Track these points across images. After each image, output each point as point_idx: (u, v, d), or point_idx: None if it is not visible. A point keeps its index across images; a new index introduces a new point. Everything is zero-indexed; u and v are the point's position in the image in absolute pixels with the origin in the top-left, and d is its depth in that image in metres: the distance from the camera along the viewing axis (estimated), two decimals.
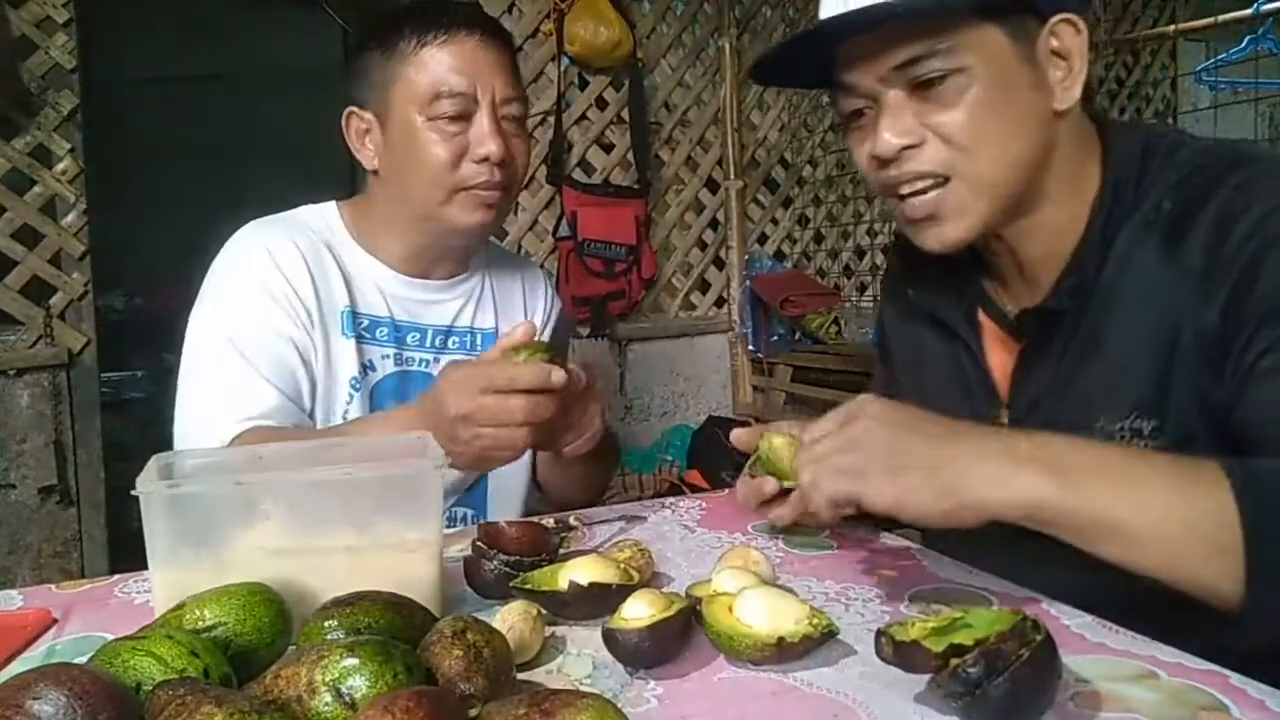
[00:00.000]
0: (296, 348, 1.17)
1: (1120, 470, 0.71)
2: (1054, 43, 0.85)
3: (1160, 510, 0.69)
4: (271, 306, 1.17)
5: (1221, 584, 0.67)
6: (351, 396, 1.21)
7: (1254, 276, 0.76)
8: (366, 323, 1.24)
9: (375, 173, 1.24)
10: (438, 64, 1.16)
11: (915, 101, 0.85)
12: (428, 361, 1.29)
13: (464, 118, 1.16)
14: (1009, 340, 0.96)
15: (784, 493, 0.90)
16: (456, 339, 1.31)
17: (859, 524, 1.01)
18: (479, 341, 1.33)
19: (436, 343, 1.30)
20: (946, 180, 0.86)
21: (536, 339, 0.98)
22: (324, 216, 1.28)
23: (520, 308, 1.40)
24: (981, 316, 0.99)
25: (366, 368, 1.23)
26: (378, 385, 1.24)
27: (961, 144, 0.84)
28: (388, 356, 1.26)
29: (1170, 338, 0.81)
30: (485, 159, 1.16)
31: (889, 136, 0.85)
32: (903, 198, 0.89)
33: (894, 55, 0.84)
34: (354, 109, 1.23)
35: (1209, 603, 0.69)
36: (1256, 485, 0.67)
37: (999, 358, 0.97)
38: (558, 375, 0.91)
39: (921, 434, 0.74)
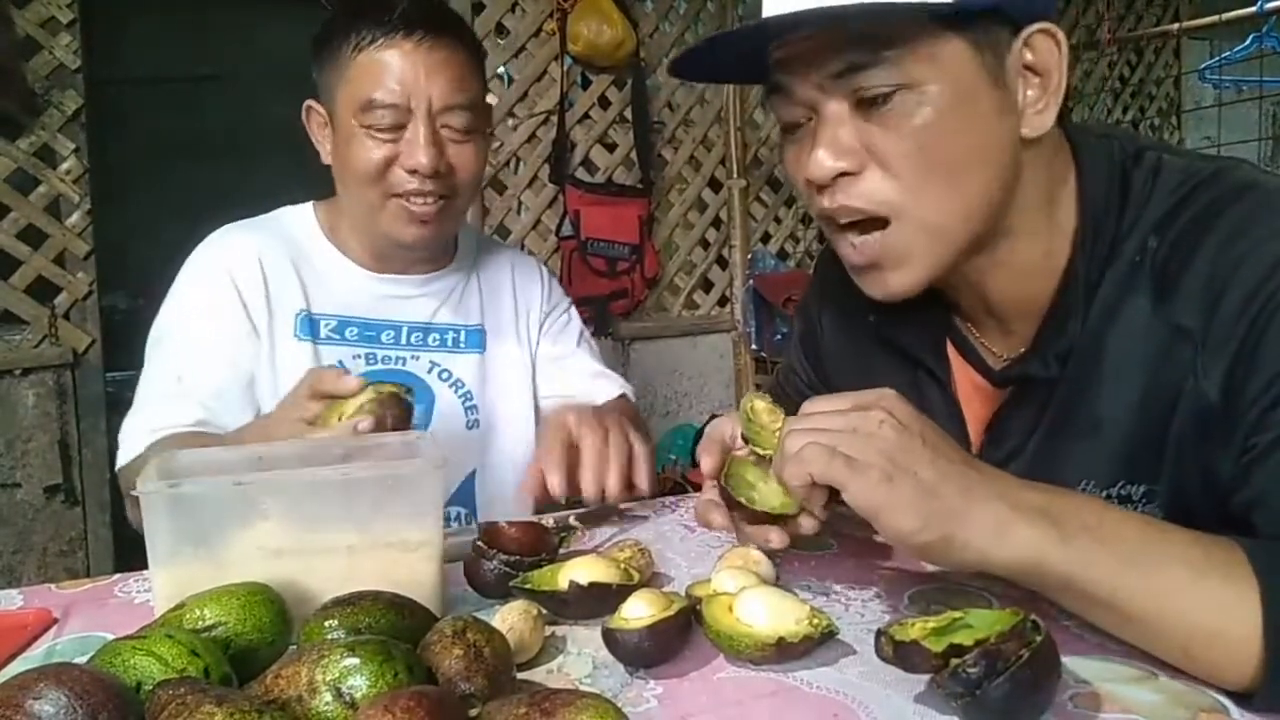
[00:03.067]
0: (234, 358, 1.18)
1: (1133, 541, 0.65)
2: (1028, 56, 0.74)
3: (1171, 593, 0.63)
4: (212, 315, 1.19)
5: (1234, 674, 0.62)
6: None
7: (1255, 353, 0.69)
8: (334, 324, 1.24)
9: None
10: (374, 70, 1.12)
11: (858, 119, 0.74)
12: (404, 359, 1.27)
13: (399, 126, 1.13)
14: (982, 384, 0.88)
15: (760, 459, 0.82)
16: (437, 336, 1.30)
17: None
18: (462, 339, 1.32)
19: (413, 340, 1.29)
20: (887, 223, 0.76)
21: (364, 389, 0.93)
22: (300, 217, 1.29)
23: (510, 301, 1.38)
24: (950, 351, 0.91)
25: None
26: None
27: (906, 180, 0.74)
28: (359, 356, 1.24)
29: (1166, 401, 0.74)
30: (415, 170, 1.13)
31: (824, 156, 0.75)
32: (841, 228, 0.79)
33: (833, 60, 0.73)
34: (312, 102, 1.23)
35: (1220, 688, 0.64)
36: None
37: (973, 403, 0.89)
38: (364, 424, 0.89)
39: (935, 451, 0.67)
